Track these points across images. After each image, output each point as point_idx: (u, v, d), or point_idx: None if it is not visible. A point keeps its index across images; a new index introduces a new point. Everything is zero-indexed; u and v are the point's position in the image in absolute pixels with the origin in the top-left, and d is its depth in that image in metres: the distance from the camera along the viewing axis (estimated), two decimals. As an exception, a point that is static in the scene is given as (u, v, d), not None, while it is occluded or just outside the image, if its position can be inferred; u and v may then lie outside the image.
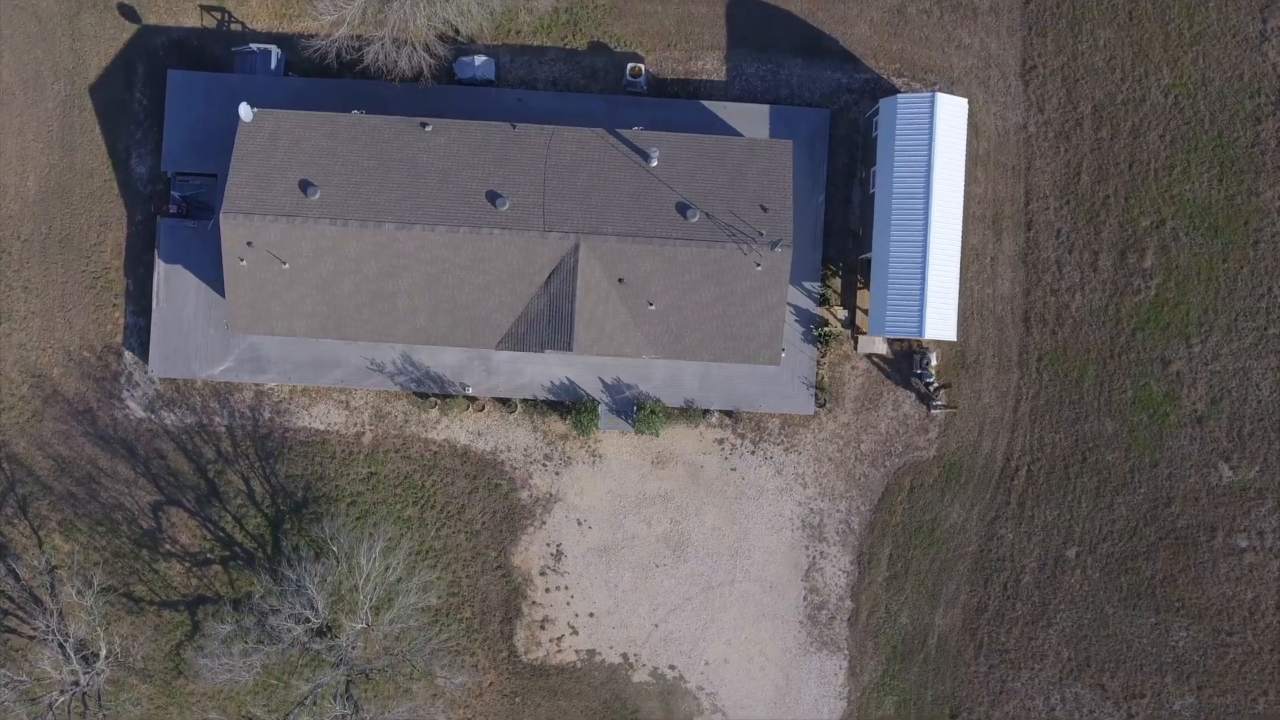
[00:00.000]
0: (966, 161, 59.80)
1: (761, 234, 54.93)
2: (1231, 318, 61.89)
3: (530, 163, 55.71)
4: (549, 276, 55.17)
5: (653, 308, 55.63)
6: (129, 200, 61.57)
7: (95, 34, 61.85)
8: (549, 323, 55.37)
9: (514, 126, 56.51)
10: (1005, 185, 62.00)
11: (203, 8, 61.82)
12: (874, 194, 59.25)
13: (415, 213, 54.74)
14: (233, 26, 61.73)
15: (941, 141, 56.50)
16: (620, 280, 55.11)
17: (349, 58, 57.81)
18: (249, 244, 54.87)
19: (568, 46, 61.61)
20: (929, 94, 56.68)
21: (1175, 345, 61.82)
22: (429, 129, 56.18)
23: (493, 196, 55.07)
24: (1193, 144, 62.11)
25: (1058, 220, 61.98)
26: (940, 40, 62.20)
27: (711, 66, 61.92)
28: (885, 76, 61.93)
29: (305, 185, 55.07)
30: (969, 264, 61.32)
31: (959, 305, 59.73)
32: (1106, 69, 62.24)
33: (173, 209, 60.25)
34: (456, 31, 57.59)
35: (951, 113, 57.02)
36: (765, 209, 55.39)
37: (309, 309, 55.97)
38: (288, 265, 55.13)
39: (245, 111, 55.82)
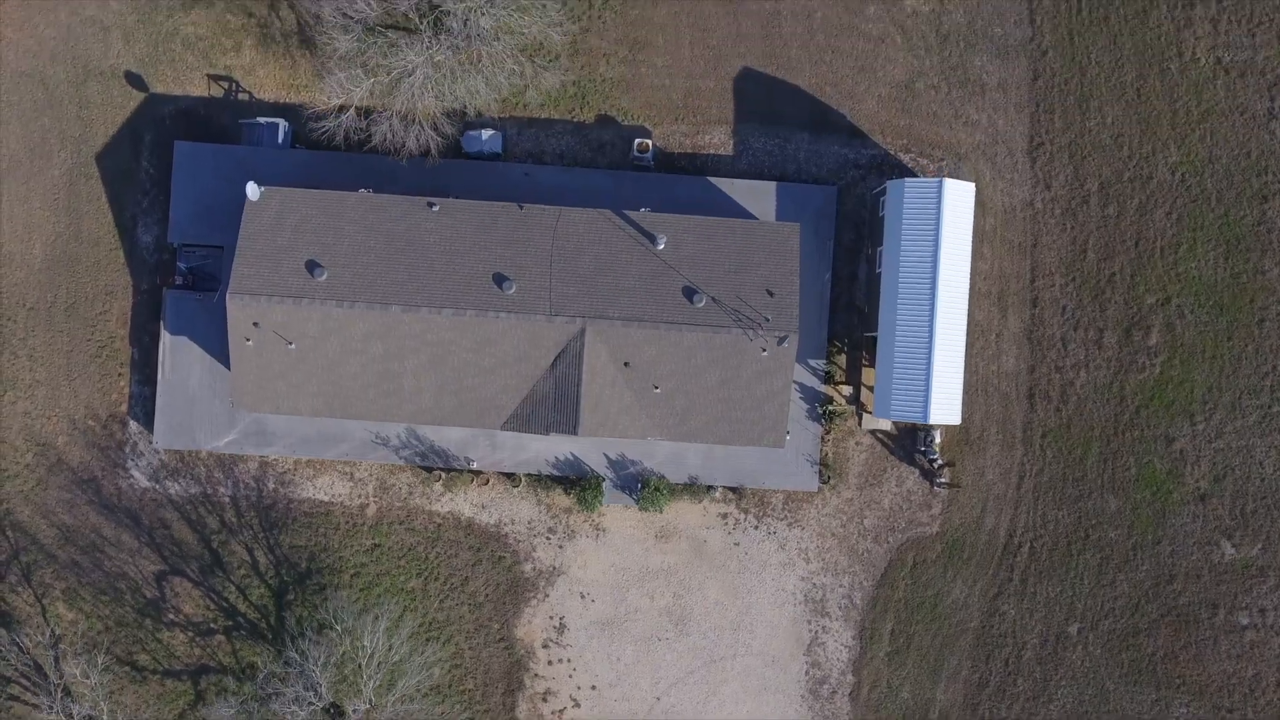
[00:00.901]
0: (973, 239, 59.79)
1: (768, 319, 54.94)
2: (1236, 395, 61.95)
3: (537, 244, 55.72)
4: (555, 360, 55.21)
5: (658, 391, 55.68)
6: (135, 269, 61.58)
7: (102, 102, 61.80)
8: (554, 406, 55.41)
9: (521, 207, 56.51)
10: (1011, 262, 62.03)
11: (210, 77, 61.76)
12: (880, 274, 59.23)
13: (421, 295, 54.77)
14: (240, 96, 61.68)
15: (948, 228, 56.51)
16: (626, 364, 55.14)
17: (357, 137, 57.64)
18: (255, 324, 54.89)
19: (575, 119, 61.58)
20: (936, 180, 56.63)
21: (1179, 423, 61.88)
22: (436, 209, 56.18)
23: (499, 279, 55.08)
24: (1199, 222, 62.14)
25: (1063, 297, 62.01)
26: (948, 116, 62.17)
27: (719, 140, 61.89)
28: (893, 152, 61.91)
29: (312, 266, 55.09)
30: (974, 340, 61.35)
31: (963, 383, 59.73)
32: (1114, 146, 62.22)
33: (179, 280, 60.27)
34: (464, 108, 57.49)
35: (959, 198, 56.97)
36: (772, 293, 55.42)
37: (314, 388, 56.01)
38: (293, 346, 55.15)
39: (252, 190, 55.79)
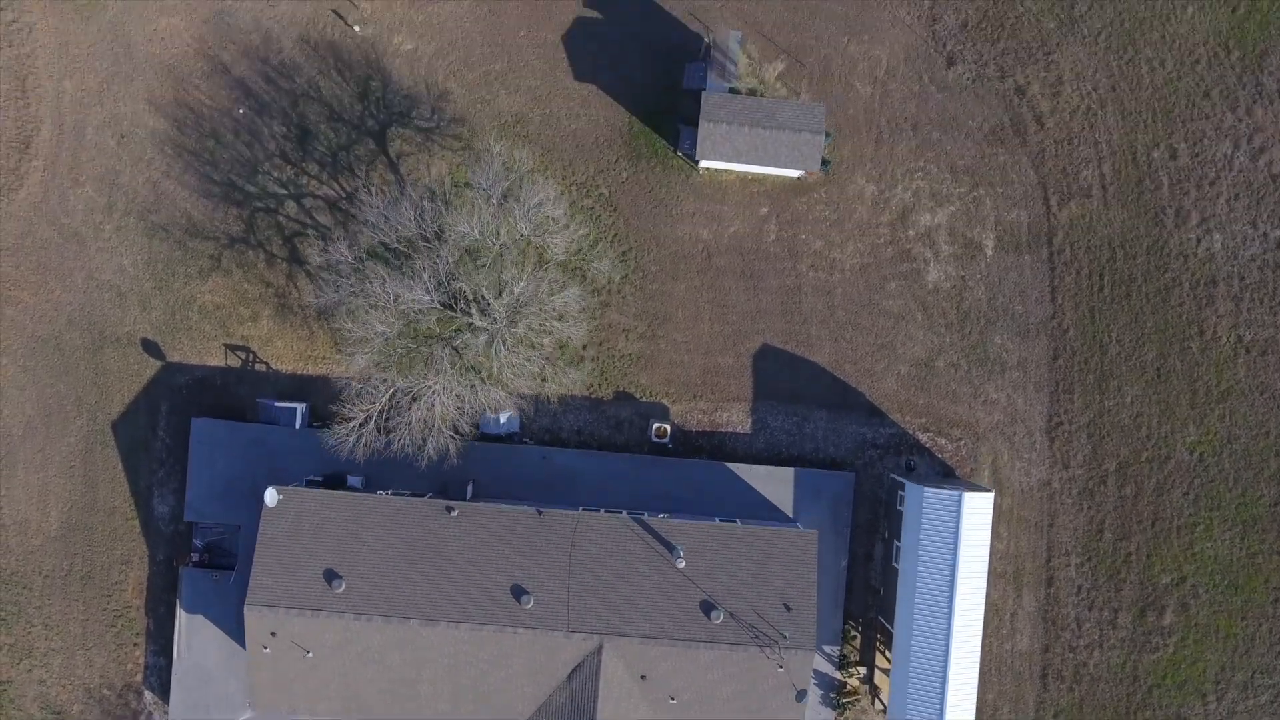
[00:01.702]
0: (990, 518, 59.66)
1: (785, 636, 54.98)
2: (1248, 675, 62.08)
3: (556, 553, 55.66)
4: (571, 672, 55.26)
5: (674, 702, 55.76)
6: (151, 539, 61.53)
7: (119, 369, 61.57)
8: (570, 718, 55.47)
9: (540, 513, 56.40)
10: (1027, 541, 61.99)
11: (227, 346, 61.50)
12: (897, 568, 59.21)
13: (439, 608, 54.76)
14: (257, 366, 61.44)
15: (966, 540, 56.33)
16: (643, 677, 55.21)
17: (375, 446, 57.11)
18: (273, 634, 54.90)
19: (594, 396, 61.36)
20: (955, 493, 56.43)
21: (1191, 702, 62.05)
22: (454, 514, 56.08)
23: (517, 591, 55.06)
24: (1216, 501, 62.06)
25: (1079, 577, 62.02)
26: (967, 395, 61.97)
27: (737, 418, 61.69)
28: (911, 431, 61.74)
29: (330, 575, 55.05)
30: (988, 620, 61.31)
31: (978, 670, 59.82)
32: (1133, 426, 62.06)
33: (195, 557, 60.25)
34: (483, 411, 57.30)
35: (977, 510, 56.81)
36: (789, 608, 55.43)
37: (332, 693, 56.08)
38: (311, 654, 55.18)
39: (270, 497, 55.64)
